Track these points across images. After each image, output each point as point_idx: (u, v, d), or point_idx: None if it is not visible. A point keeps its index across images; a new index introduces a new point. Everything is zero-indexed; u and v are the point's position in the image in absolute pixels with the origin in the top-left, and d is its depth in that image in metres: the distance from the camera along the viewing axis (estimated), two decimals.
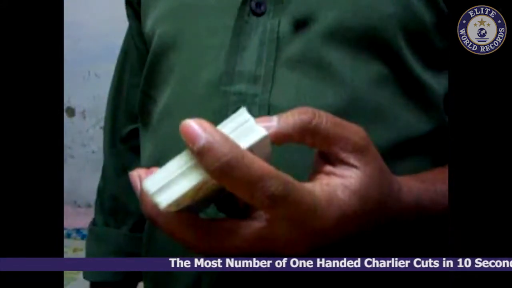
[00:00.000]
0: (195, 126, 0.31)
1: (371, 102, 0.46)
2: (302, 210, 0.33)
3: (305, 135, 0.35)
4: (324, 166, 0.37)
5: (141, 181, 0.34)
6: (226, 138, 0.31)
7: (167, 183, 0.32)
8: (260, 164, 0.31)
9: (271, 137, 0.34)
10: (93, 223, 0.72)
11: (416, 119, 0.48)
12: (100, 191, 0.72)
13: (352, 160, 0.35)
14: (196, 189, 0.32)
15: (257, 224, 0.34)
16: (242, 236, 0.34)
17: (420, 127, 0.48)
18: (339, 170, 0.36)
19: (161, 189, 0.32)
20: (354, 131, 0.36)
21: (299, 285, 0.45)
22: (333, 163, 0.36)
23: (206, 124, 0.31)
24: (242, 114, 0.33)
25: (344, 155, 0.35)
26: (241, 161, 0.31)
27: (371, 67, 0.46)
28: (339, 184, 0.35)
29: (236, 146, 0.31)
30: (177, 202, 0.32)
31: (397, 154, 0.46)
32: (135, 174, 0.37)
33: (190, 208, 0.34)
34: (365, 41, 0.46)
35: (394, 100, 0.47)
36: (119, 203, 0.69)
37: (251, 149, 0.32)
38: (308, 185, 0.34)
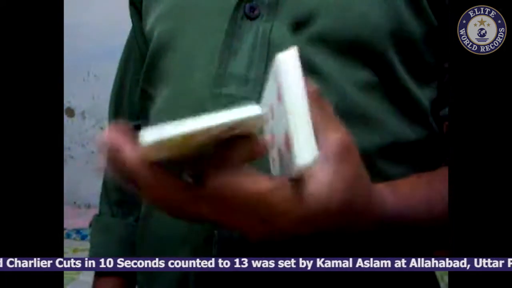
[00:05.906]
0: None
1: (359, 107, 0.47)
2: (270, 210, 0.34)
3: None
4: None
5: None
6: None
7: (157, 128, 0.32)
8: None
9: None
10: (99, 213, 0.72)
11: (402, 126, 0.48)
12: (106, 183, 0.72)
13: (331, 160, 0.35)
14: (183, 139, 0.32)
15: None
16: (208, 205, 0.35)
17: (406, 134, 0.48)
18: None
19: (149, 131, 0.32)
20: (340, 132, 0.36)
21: (286, 284, 0.45)
22: None
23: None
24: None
25: (324, 155, 0.35)
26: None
27: (360, 73, 0.47)
28: (312, 181, 0.35)
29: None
30: (161, 143, 0.31)
31: (382, 158, 0.47)
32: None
33: (170, 168, 0.34)
34: (355, 49, 0.47)
35: (381, 106, 0.48)
36: (126, 194, 0.69)
37: (237, 123, 0.32)
38: (277, 182, 0.34)
